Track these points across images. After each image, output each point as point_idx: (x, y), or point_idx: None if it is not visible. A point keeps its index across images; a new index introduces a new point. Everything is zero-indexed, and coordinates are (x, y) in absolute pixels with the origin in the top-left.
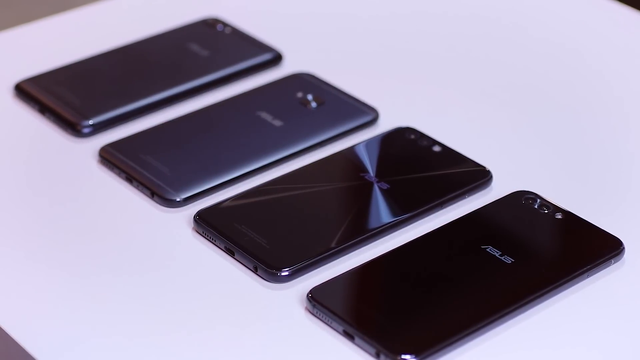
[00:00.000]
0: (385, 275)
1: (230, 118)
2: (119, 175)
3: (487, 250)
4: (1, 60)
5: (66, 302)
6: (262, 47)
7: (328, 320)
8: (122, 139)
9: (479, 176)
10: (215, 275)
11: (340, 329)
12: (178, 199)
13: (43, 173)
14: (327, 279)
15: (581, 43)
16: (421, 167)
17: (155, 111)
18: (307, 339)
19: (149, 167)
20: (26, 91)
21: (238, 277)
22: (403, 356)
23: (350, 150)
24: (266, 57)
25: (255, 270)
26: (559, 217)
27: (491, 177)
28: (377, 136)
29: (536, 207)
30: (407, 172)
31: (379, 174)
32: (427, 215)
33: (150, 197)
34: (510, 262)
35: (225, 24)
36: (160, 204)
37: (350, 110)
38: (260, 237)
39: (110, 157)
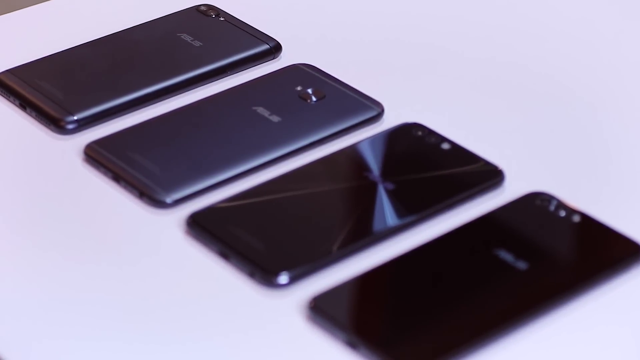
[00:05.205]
0: (391, 283)
1: (225, 113)
2: (105, 174)
3: (500, 255)
4: None
5: (48, 307)
6: (259, 37)
7: (330, 330)
8: (108, 136)
9: (491, 176)
10: (209, 282)
11: (343, 338)
12: (168, 200)
13: (24, 172)
14: (328, 286)
15: (601, 34)
16: (429, 166)
17: (145, 106)
18: (307, 350)
19: (137, 165)
20: (5, 84)
21: (233, 283)
22: None
23: (353, 148)
24: (264, 47)
25: (251, 275)
26: (576, 220)
27: (503, 177)
28: (382, 133)
29: (552, 209)
30: (414, 171)
31: (384, 173)
32: (435, 218)
33: (138, 198)
34: (524, 268)
35: (219, 11)
36: (149, 205)
37: (353, 104)
38: (257, 240)
39: (96, 155)
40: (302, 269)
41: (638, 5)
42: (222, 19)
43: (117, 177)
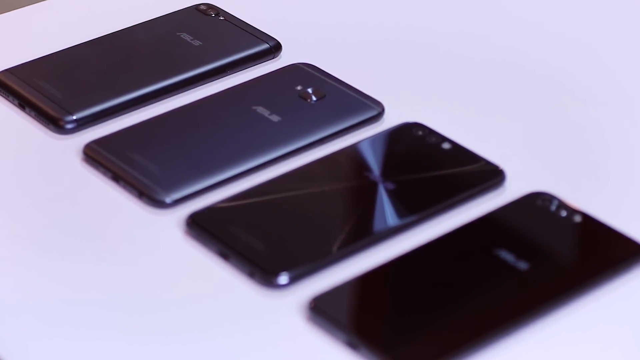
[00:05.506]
0: (391, 283)
1: (225, 113)
2: (104, 174)
3: (501, 256)
4: None
5: (47, 307)
6: (259, 36)
7: (330, 330)
8: (107, 136)
9: (492, 176)
10: (208, 282)
11: (344, 339)
12: (168, 200)
13: (23, 172)
14: (328, 287)
15: (601, 35)
16: (429, 166)
17: (144, 105)
18: (308, 350)
19: (136, 165)
20: (4, 83)
21: (233, 284)
22: None
23: (354, 148)
24: (264, 46)
25: (251, 276)
26: (578, 220)
27: (504, 177)
28: (382, 132)
29: (553, 209)
30: (415, 171)
31: (384, 173)
32: (436, 218)
33: (138, 198)
34: (525, 269)
35: (219, 11)
36: (148, 205)
37: (353, 104)
38: (257, 240)
39: (95, 154)
40: (302, 269)
41: (638, 6)
42: (221, 18)
43: (117, 177)
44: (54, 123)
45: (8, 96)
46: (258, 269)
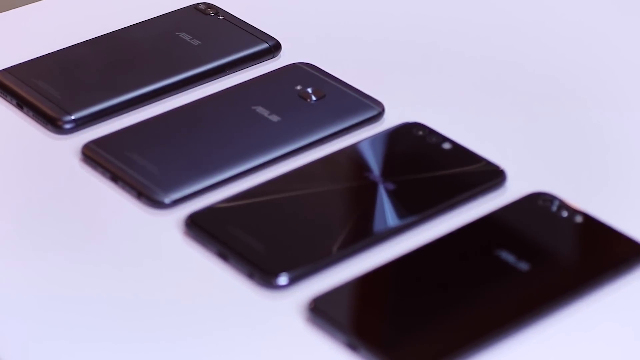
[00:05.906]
0: (391, 284)
1: (224, 113)
2: (103, 174)
3: (501, 256)
4: None
5: (46, 307)
6: (258, 36)
7: (330, 331)
8: (106, 136)
9: (492, 176)
10: (208, 282)
11: (344, 340)
12: (167, 201)
13: (21, 172)
14: (328, 287)
15: (603, 35)
16: (430, 166)
17: (143, 105)
18: (307, 351)
19: (135, 165)
20: (2, 83)
21: (232, 284)
22: None
23: (353, 148)
24: (263, 46)
25: (250, 276)
26: (578, 220)
27: (505, 177)
28: (383, 132)
29: (554, 210)
30: (415, 171)
31: (385, 173)
32: (436, 218)
33: (136, 198)
34: (526, 269)
35: (218, 10)
36: (147, 206)
37: (353, 104)
38: (256, 241)
39: (93, 155)
40: (302, 270)
41: (638, 6)
42: (221, 17)
43: (115, 178)
44: (52, 123)
45: (6, 96)
46: (257, 269)
